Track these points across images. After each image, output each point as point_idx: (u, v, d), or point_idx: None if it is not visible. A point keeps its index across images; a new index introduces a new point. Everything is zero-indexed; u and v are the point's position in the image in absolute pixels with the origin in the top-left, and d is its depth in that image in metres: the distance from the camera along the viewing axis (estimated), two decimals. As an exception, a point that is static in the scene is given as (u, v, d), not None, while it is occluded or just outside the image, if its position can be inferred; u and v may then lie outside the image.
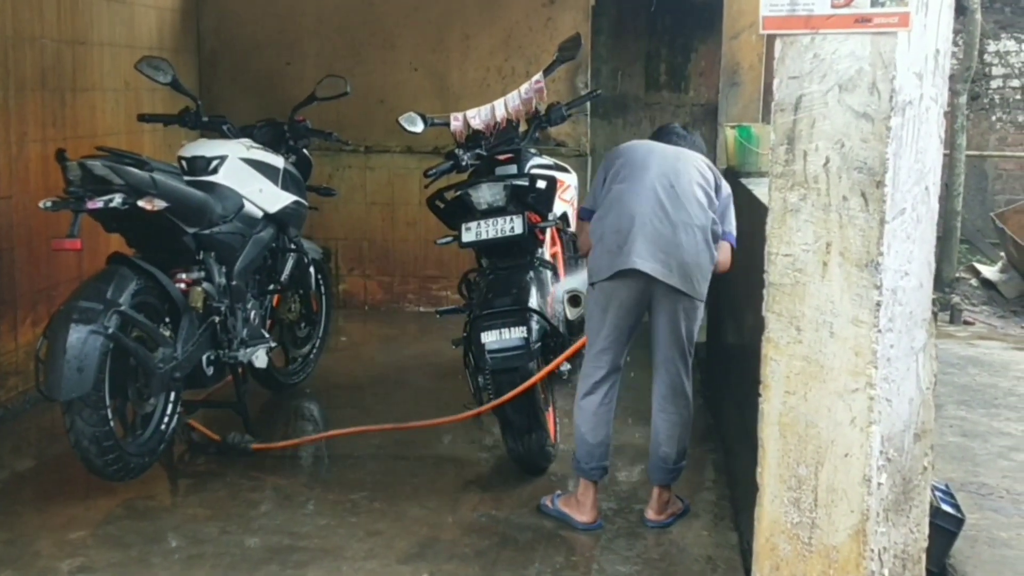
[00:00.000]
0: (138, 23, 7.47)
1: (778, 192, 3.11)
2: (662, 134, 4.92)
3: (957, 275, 11.10)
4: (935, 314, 3.23)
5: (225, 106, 7.80)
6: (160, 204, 4.64)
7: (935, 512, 4.00)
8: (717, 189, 4.65)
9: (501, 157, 5.57)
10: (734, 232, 4.72)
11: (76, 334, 4.38)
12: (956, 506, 4.44)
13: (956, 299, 10.31)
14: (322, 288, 6.49)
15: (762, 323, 5.10)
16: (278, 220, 5.71)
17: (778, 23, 3.06)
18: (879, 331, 2.98)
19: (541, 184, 5.08)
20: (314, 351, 6.48)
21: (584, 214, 4.73)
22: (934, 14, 2.98)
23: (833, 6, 2.96)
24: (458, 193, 5.10)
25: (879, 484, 3.06)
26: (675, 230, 4.39)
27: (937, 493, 4.21)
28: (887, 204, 2.94)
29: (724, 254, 4.64)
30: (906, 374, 3.10)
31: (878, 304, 2.97)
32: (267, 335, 5.64)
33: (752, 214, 5.90)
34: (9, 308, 6.06)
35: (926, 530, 3.26)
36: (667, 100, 9.65)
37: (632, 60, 9.58)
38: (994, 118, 12.93)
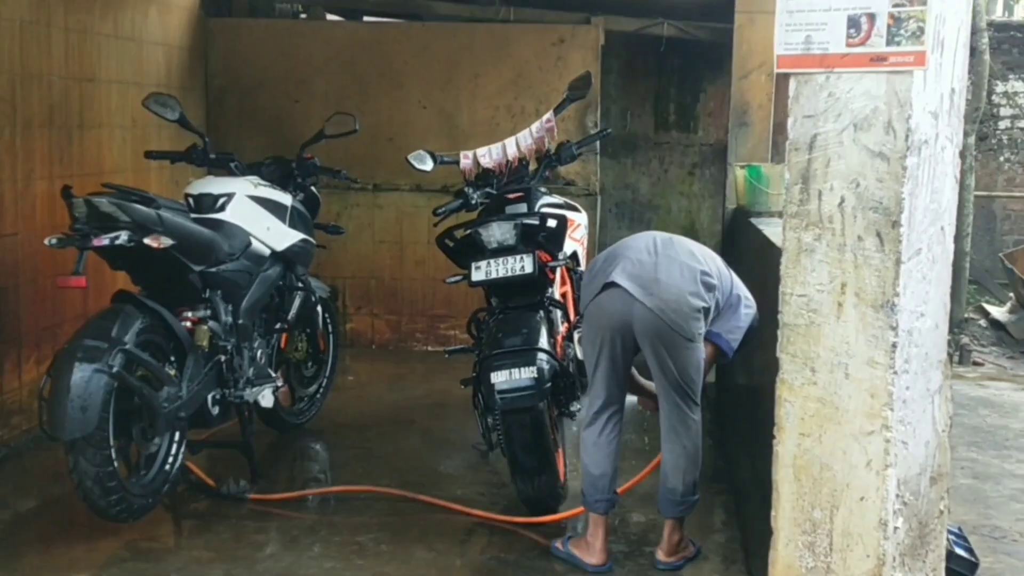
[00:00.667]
0: (146, 60, 7.48)
1: (792, 232, 3.07)
2: None
3: (966, 316, 11.02)
4: (951, 355, 3.18)
5: (233, 144, 7.80)
6: (166, 242, 4.61)
7: (949, 556, 3.93)
8: (721, 280, 4.57)
9: (511, 196, 5.54)
10: (731, 342, 4.62)
11: (80, 373, 4.34)
12: (970, 550, 4.38)
13: (965, 340, 10.23)
14: (329, 327, 6.45)
15: (772, 364, 5.06)
16: (285, 258, 5.68)
17: (793, 62, 3.03)
18: (895, 373, 2.93)
19: (552, 223, 5.05)
20: (321, 390, 6.43)
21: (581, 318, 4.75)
22: (949, 53, 2.95)
23: (848, 45, 2.93)
24: (468, 231, 5.07)
25: (895, 528, 3.00)
26: (658, 266, 4.39)
27: (950, 536, 4.16)
28: (903, 244, 2.89)
29: (708, 352, 4.56)
30: (922, 416, 3.05)
31: (894, 345, 2.92)
32: (274, 374, 5.59)
33: (763, 255, 5.86)
34: (13, 346, 6.02)
35: (942, 575, 3.19)
36: (676, 140, 9.67)
37: (641, 100, 9.61)
38: (1002, 159, 12.91)
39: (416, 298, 8.52)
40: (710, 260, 4.59)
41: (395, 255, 8.48)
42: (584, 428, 4.62)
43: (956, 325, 10.78)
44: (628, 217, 9.77)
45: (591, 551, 4.53)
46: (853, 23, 2.93)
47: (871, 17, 2.90)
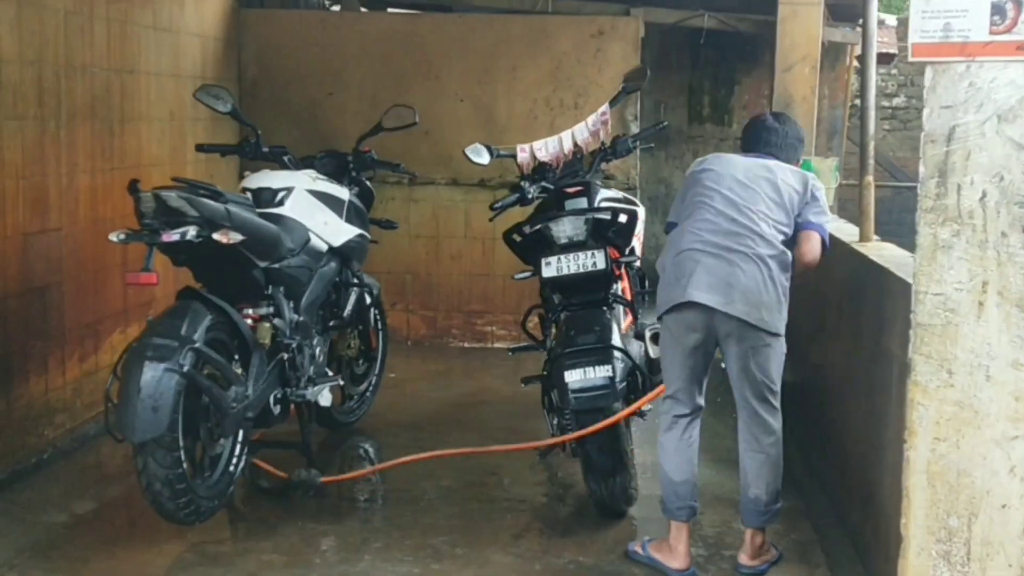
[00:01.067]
0: (183, 52, 7.34)
1: (928, 228, 2.95)
2: (750, 142, 4.70)
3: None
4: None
5: (267, 136, 7.61)
6: (236, 237, 4.48)
7: None
8: (804, 197, 4.43)
9: (570, 190, 5.41)
10: (824, 224, 4.43)
11: (151, 372, 4.20)
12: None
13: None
14: (379, 324, 6.32)
15: (833, 361, 4.98)
16: (342, 254, 5.55)
17: (930, 50, 2.91)
18: (1041, 375, 2.82)
19: (623, 218, 4.93)
20: (371, 388, 6.31)
21: (668, 227, 4.60)
22: (1094, 41, 2.84)
23: (992, 32, 2.82)
24: (538, 226, 4.94)
25: (1038, 537, 2.88)
26: (733, 263, 4.22)
27: None
28: (1052, 241, 2.78)
29: (806, 244, 4.37)
30: (1062, 420, 2.93)
31: (1040, 347, 2.81)
32: (331, 373, 5.47)
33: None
34: (57, 343, 5.88)
35: (1078, 585, 3.08)
36: (710, 133, 9.55)
37: (675, 93, 9.49)
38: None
39: (452, 293, 8.39)
40: (789, 190, 4.41)
41: (431, 250, 8.35)
42: (663, 432, 4.50)
43: None
44: (661, 211, 9.63)
45: (674, 555, 4.41)
46: (997, 10, 2.81)
47: (1017, 4, 2.79)
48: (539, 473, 5.49)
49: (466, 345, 8.31)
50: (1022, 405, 2.84)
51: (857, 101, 5.92)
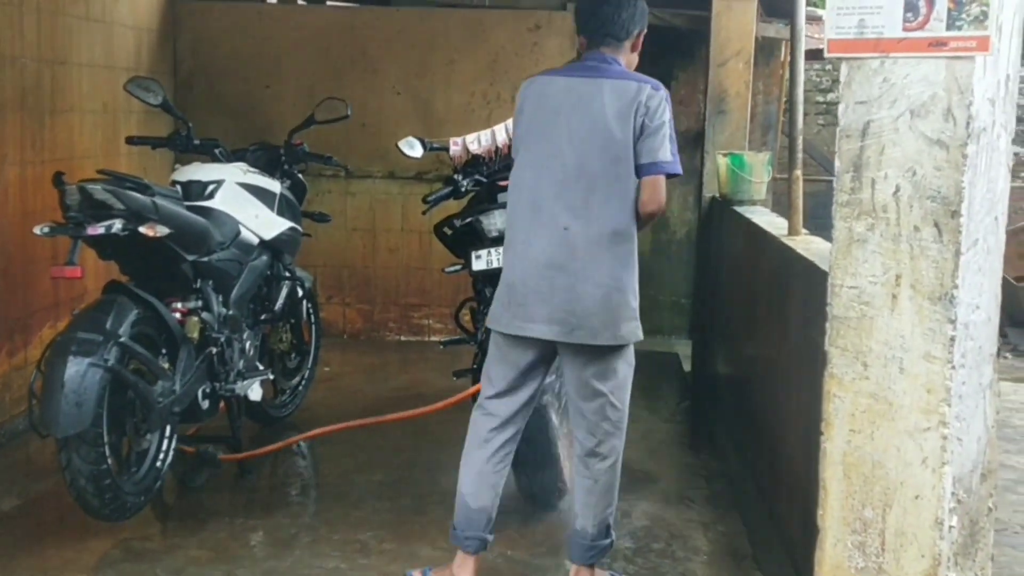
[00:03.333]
0: (116, 43, 7.25)
1: (843, 221, 2.98)
2: (587, 27, 3.98)
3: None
4: (999, 350, 3.12)
5: (202, 129, 7.47)
6: (163, 230, 4.43)
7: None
8: (644, 122, 3.79)
9: (502, 183, 5.40)
10: (667, 160, 3.81)
11: (75, 367, 4.15)
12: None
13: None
14: (312, 317, 6.29)
15: (764, 354, 5.01)
16: (273, 247, 5.51)
17: (845, 46, 2.94)
18: (953, 367, 2.86)
19: (553, 211, 4.93)
20: (303, 383, 6.27)
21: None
22: (1006, 38, 2.88)
23: (905, 29, 2.84)
24: (468, 220, 4.95)
25: (950, 527, 2.93)
26: (577, 275, 3.74)
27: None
28: (963, 235, 2.82)
29: (649, 191, 3.77)
30: (975, 411, 2.98)
31: (952, 339, 2.85)
32: (261, 367, 5.43)
33: (754, 242, 5.82)
34: (-19, 337, 5.81)
35: (990, 573, 3.14)
36: (648, 127, 9.56)
37: (613, 87, 9.49)
38: None
39: (389, 287, 8.37)
40: (628, 113, 3.77)
41: (367, 243, 8.33)
42: (470, 449, 4.08)
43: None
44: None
45: None
46: (910, 7, 2.84)
47: (930, 1, 2.82)
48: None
49: (403, 338, 8.30)
50: (934, 397, 2.88)
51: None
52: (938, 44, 2.81)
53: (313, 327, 6.33)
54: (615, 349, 3.85)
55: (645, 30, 4.04)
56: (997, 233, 2.99)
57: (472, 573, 4.05)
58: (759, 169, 6.96)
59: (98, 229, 4.30)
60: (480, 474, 4.02)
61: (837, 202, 3.00)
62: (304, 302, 6.08)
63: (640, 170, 3.78)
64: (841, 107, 2.96)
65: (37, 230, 4.35)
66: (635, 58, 4.07)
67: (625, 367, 3.94)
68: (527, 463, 4.71)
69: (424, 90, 8.18)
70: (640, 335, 3.88)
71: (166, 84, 8.05)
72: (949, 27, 2.79)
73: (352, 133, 7.89)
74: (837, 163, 2.98)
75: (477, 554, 4.06)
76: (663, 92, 3.89)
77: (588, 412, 3.93)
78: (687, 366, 8.12)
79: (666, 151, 3.80)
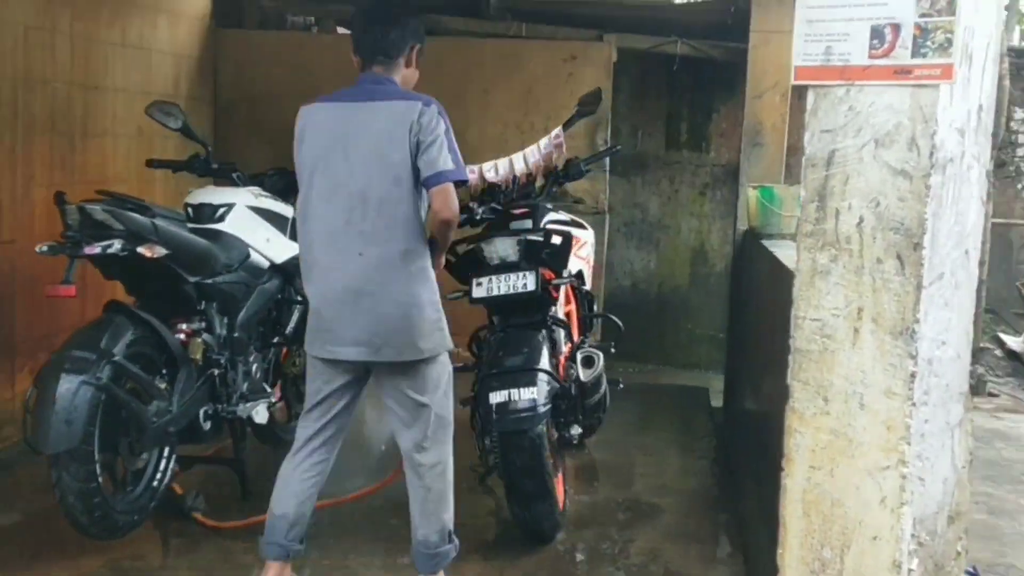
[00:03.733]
0: (155, 70, 7.38)
1: (807, 252, 2.92)
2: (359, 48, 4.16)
3: (982, 345, 10.83)
4: (972, 387, 3.02)
5: (240, 155, 7.66)
6: (160, 251, 4.47)
7: (965, 597, 3.77)
8: (419, 140, 3.86)
9: (516, 211, 5.41)
10: (449, 168, 3.83)
11: (66, 384, 4.20)
12: (985, 590, 4.22)
13: (981, 370, 10.05)
14: (328, 342, 6.29)
15: (781, 390, 4.90)
16: (286, 271, 5.53)
17: (811, 73, 2.89)
18: (913, 404, 2.77)
19: (556, 240, 4.91)
20: (318, 407, 6.26)
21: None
22: (978, 68, 2.81)
23: (871, 56, 2.79)
24: (470, 247, 4.93)
25: (910, 570, 2.83)
26: (376, 297, 3.85)
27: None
28: (925, 268, 2.74)
29: (439, 200, 3.80)
30: (940, 451, 2.89)
31: (913, 375, 2.77)
32: (269, 389, 5.44)
33: (774, 277, 5.71)
34: (7, 356, 5.90)
35: (960, 620, 3.03)
36: (687, 159, 9.51)
37: (653, 119, 9.46)
38: (1020, 186, 12.73)
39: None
40: (403, 134, 3.85)
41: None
42: (288, 456, 4.17)
43: (972, 355, 10.59)
44: (637, 236, 9.62)
45: None
46: (876, 33, 2.79)
47: (896, 27, 2.76)
48: (475, 495, 5.43)
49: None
50: (894, 435, 2.80)
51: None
52: (903, 72, 2.75)
53: (330, 352, 6.32)
54: (426, 361, 3.96)
55: (421, 45, 4.16)
56: (967, 267, 2.90)
57: None
58: (790, 202, 6.85)
59: (95, 248, 4.36)
60: (284, 480, 4.09)
61: (801, 232, 2.94)
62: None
63: (426, 184, 3.84)
64: (807, 135, 2.91)
65: (38, 248, 4.42)
66: (413, 73, 4.19)
67: (440, 376, 4.04)
68: (522, 494, 4.67)
69: (459, 120, 8.03)
70: (449, 344, 3.99)
71: (206, 111, 8.21)
72: (914, 54, 2.74)
73: (386, 161, 7.93)
74: (802, 192, 2.93)
75: (279, 561, 4.07)
76: (435, 106, 3.95)
77: (412, 424, 4.00)
78: (720, 401, 8.00)
79: (447, 160, 3.84)
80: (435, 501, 4.05)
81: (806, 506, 2.94)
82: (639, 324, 9.34)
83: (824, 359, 2.89)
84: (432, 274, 3.97)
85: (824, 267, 2.88)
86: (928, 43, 2.71)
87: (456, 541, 4.15)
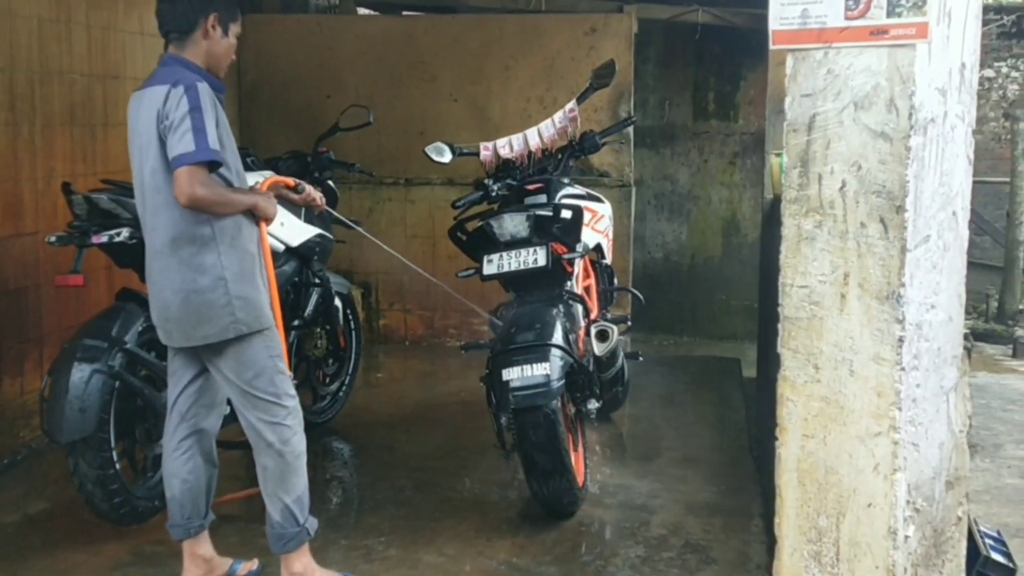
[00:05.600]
0: (174, 57, 7.39)
1: (792, 219, 2.88)
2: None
3: (1021, 307, 10.67)
4: (967, 350, 2.96)
5: (265, 139, 7.73)
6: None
7: (984, 562, 3.73)
8: (166, 125, 3.71)
9: (530, 187, 5.38)
10: (187, 151, 3.63)
11: (79, 373, 4.25)
12: (1008, 555, 4.14)
13: (1020, 332, 9.89)
14: (351, 323, 6.32)
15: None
16: (301, 254, 5.56)
17: (789, 37, 2.84)
18: (903, 369, 2.74)
19: (566, 214, 4.88)
20: (343, 388, 6.30)
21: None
22: (958, 25, 2.75)
23: (847, 17, 2.74)
24: (480, 224, 4.92)
25: (906, 537, 2.80)
26: (159, 285, 3.89)
27: (987, 540, 3.93)
28: (908, 231, 2.70)
29: (176, 187, 3.66)
30: (935, 416, 2.84)
31: (901, 340, 2.73)
32: (287, 372, 5.46)
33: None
34: (35, 346, 5.97)
35: (962, 585, 2.99)
36: (715, 129, 9.44)
37: (680, 89, 9.39)
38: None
39: (449, 293, 8.35)
40: (161, 115, 3.72)
41: (427, 250, 8.33)
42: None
43: (1010, 316, 10.43)
44: (667, 208, 9.56)
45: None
46: (852, -6, 2.73)
47: (872, -13, 2.70)
48: (499, 472, 5.44)
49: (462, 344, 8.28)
50: (884, 401, 2.76)
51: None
52: (879, 32, 2.70)
53: (353, 333, 6.36)
54: (231, 343, 3.87)
55: (220, 13, 3.95)
56: (956, 229, 2.85)
57: (191, 558, 4.14)
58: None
59: (103, 238, 4.39)
60: (164, 465, 4.12)
61: (786, 199, 2.90)
62: (340, 308, 6.10)
63: (170, 171, 3.72)
64: (787, 100, 2.87)
65: (47, 239, 4.47)
66: (217, 44, 3.98)
67: (254, 357, 3.92)
68: (539, 471, 4.66)
69: (480, 96, 8.18)
70: (241, 329, 3.84)
71: (230, 96, 8.15)
72: (889, 14, 2.70)
73: (411, 141, 7.92)
74: (785, 159, 2.89)
75: (185, 540, 4.13)
76: (181, 87, 3.72)
77: (241, 403, 3.97)
78: (754, 371, 7.94)
79: (186, 143, 3.64)
80: (273, 481, 3.99)
81: (801, 475, 2.91)
82: (672, 296, 9.32)
83: (813, 326, 2.86)
84: (217, 257, 3.83)
85: (809, 233, 2.85)
86: (903, 2, 2.67)
87: (308, 526, 4.07)
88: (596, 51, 8.00)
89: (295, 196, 4.50)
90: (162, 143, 3.74)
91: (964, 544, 3.00)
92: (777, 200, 7.10)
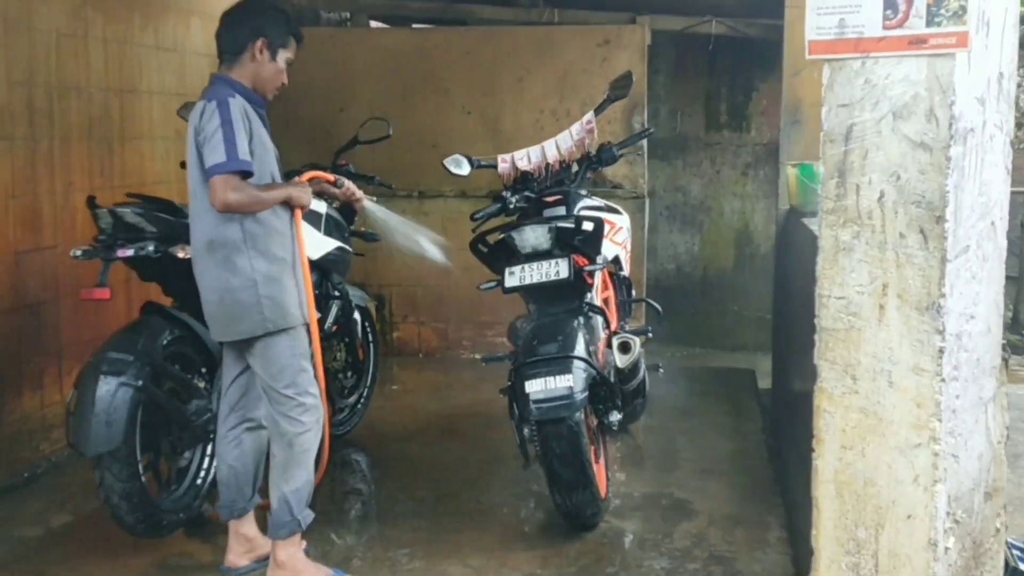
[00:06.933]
0: (189, 71, 7.41)
1: (829, 229, 2.88)
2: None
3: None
4: (1005, 360, 2.96)
5: (280, 152, 7.70)
6: (191, 251, 4.50)
7: (1013, 572, 3.72)
8: (202, 139, 4.00)
9: (549, 199, 5.38)
10: (219, 161, 3.90)
11: (105, 386, 4.25)
12: (1036, 567, 4.14)
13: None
14: (369, 336, 6.32)
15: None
16: (321, 267, 5.55)
17: (825, 47, 2.85)
18: (943, 380, 2.73)
19: (588, 226, 4.87)
20: (362, 401, 6.30)
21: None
22: (996, 34, 2.75)
23: (885, 27, 2.74)
24: (501, 236, 4.92)
25: (946, 548, 2.79)
26: (201, 284, 4.16)
27: (1014, 551, 3.92)
28: (949, 241, 2.69)
29: (210, 195, 3.94)
30: (974, 427, 2.84)
31: (941, 350, 2.72)
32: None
33: (813, 253, 5.65)
34: (54, 359, 5.97)
35: (1001, 597, 2.98)
36: (728, 140, 9.44)
37: (692, 100, 9.39)
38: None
39: (463, 305, 8.36)
40: (200, 127, 4.02)
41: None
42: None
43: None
44: (679, 220, 9.56)
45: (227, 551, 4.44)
46: (889, 4, 2.75)
47: (909, -3, 2.71)
48: (519, 484, 5.44)
49: (477, 356, 8.25)
50: (924, 412, 2.75)
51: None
52: (917, 42, 2.70)
53: (371, 345, 6.36)
54: (260, 339, 4.12)
55: (269, 37, 4.21)
56: (995, 239, 2.85)
57: (235, 537, 4.40)
58: (829, 180, 6.78)
59: (128, 251, 4.41)
60: (216, 449, 4.42)
61: (823, 209, 2.90)
62: (359, 321, 6.11)
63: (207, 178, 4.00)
64: (824, 111, 2.87)
65: (72, 253, 4.49)
66: (262, 68, 4.23)
67: (278, 354, 4.15)
68: (562, 483, 4.65)
69: (493, 108, 8.18)
70: (268, 326, 4.09)
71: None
72: (928, 23, 2.69)
73: (424, 153, 7.93)
74: (822, 169, 2.89)
75: (231, 519, 4.39)
76: (215, 102, 4.01)
77: (265, 394, 4.20)
78: (768, 383, 7.93)
79: (218, 154, 3.92)
80: (278, 469, 4.20)
81: (838, 486, 2.90)
82: (685, 308, 9.30)
83: (851, 337, 2.85)
84: (248, 260, 4.07)
85: (847, 244, 2.84)
86: (942, 11, 2.66)
87: (300, 519, 4.21)
88: (609, 63, 8.01)
89: (336, 191, 4.78)
90: (199, 154, 4.02)
91: (1002, 556, 3.00)
92: (793, 211, 7.13)
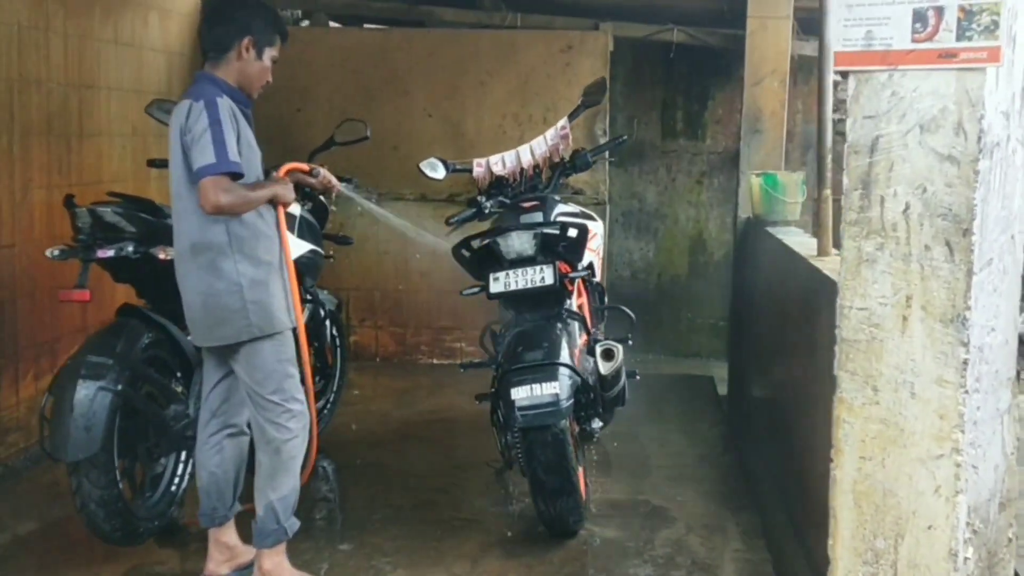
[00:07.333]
0: (146, 67, 7.27)
1: (852, 241, 2.88)
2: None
3: None
4: (1018, 372, 2.99)
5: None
6: (174, 253, 4.39)
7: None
8: (189, 140, 3.91)
9: (526, 204, 5.34)
10: (208, 163, 3.82)
11: (84, 391, 4.13)
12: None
13: None
14: (337, 340, 6.24)
15: (794, 377, 4.88)
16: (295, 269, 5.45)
17: (852, 59, 2.84)
18: (966, 392, 2.74)
19: (572, 232, 4.85)
20: (328, 405, 6.20)
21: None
22: (1021, 48, 2.77)
23: (914, 40, 2.75)
24: (486, 241, 4.87)
25: (965, 559, 2.81)
26: (183, 287, 4.07)
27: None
28: (975, 254, 2.71)
29: (200, 197, 3.85)
30: (992, 438, 2.86)
31: (965, 362, 2.74)
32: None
33: (783, 263, 5.69)
34: (11, 361, 5.80)
35: (1012, 607, 3.01)
36: (683, 148, 9.48)
37: (648, 108, 9.42)
38: None
39: (421, 310, 8.31)
40: (185, 127, 3.92)
41: (400, 266, 8.27)
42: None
43: None
44: (635, 227, 9.58)
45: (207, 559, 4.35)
46: (919, 17, 2.75)
47: (939, 11, 2.72)
48: (493, 491, 5.40)
49: (435, 361, 8.23)
50: (946, 423, 2.77)
51: (835, 115, 5.84)
52: (948, 55, 2.71)
53: (338, 350, 6.28)
54: (248, 344, 4.04)
55: (255, 36, 4.13)
56: (1014, 252, 2.87)
57: (215, 545, 4.31)
58: (793, 189, 6.84)
59: (108, 252, 4.30)
60: (197, 455, 4.31)
61: (846, 220, 2.90)
62: (328, 325, 6.02)
63: (193, 183, 3.92)
64: (849, 122, 2.87)
65: (48, 253, 4.36)
66: (248, 66, 4.16)
67: (264, 360, 4.07)
68: (547, 490, 4.62)
69: (455, 112, 8.14)
70: (254, 332, 4.02)
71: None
72: (959, 38, 2.70)
73: (384, 156, 7.87)
74: (846, 180, 2.89)
75: (211, 526, 4.30)
76: (202, 102, 3.93)
77: (250, 400, 4.12)
78: (724, 389, 7.99)
79: (207, 155, 3.84)
80: (265, 476, 4.12)
81: (857, 496, 2.90)
82: (639, 314, 9.25)
83: (872, 348, 2.86)
84: (233, 264, 3.99)
85: (870, 255, 2.85)
86: (973, 26, 2.68)
87: (286, 527, 4.15)
88: (572, 68, 8.02)
89: (312, 180, 4.73)
90: (184, 154, 3.93)
91: (1013, 565, 3.02)
92: (753, 220, 7.18)
